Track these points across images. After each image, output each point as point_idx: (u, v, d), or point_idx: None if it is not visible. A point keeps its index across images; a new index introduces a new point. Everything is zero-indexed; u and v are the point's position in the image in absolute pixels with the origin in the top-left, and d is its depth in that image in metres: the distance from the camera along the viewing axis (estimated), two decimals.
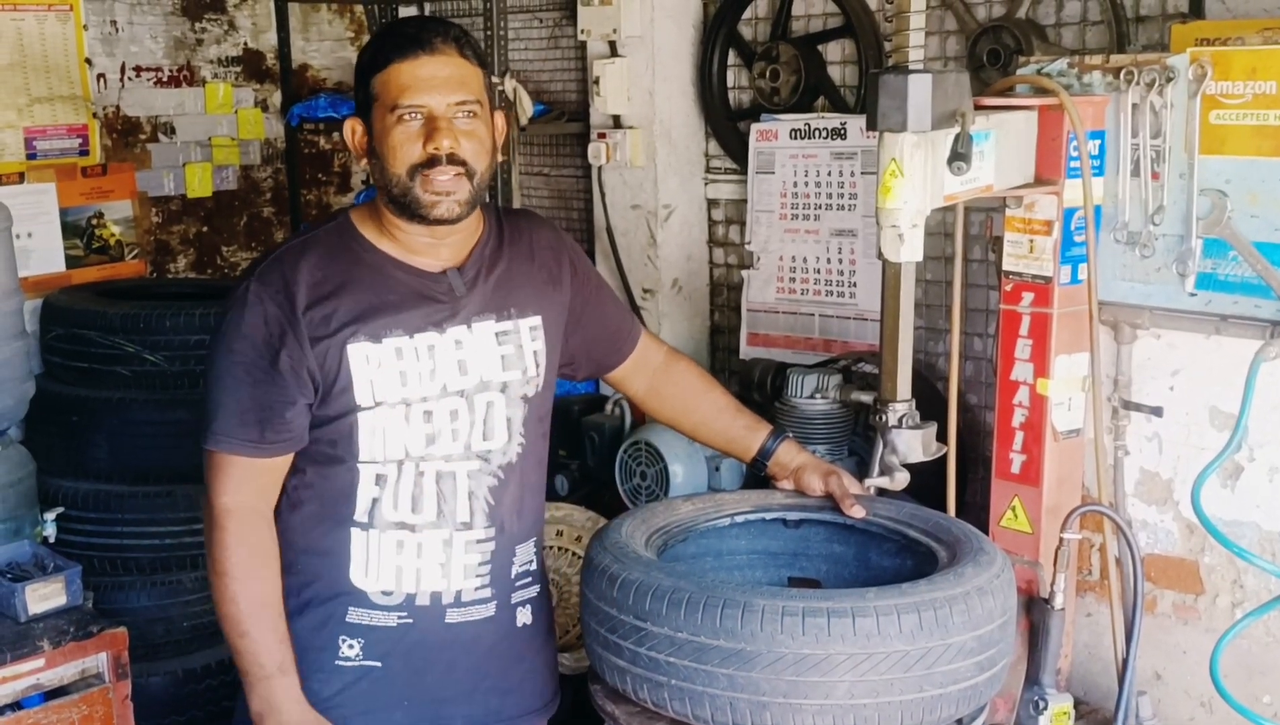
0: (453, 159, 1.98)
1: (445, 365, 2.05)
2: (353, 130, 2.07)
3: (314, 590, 2.08)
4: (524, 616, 2.19)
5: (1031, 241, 2.48)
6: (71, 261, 4.13)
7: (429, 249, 2.07)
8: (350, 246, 2.07)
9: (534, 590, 2.21)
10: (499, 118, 2.11)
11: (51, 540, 3.23)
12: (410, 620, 2.08)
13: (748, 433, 2.40)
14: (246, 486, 2.02)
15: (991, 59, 3.04)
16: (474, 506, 2.08)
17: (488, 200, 2.18)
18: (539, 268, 2.20)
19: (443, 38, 2.00)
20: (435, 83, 1.98)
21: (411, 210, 2.01)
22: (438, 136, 1.97)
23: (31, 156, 4.03)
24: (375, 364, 2.01)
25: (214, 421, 2.01)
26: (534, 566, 2.21)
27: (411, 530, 2.06)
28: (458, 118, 1.99)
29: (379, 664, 2.08)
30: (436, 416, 2.05)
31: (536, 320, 2.15)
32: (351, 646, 2.08)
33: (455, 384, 2.06)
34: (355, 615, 2.07)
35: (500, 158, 2.15)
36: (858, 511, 2.22)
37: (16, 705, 2.67)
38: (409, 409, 2.03)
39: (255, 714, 2.02)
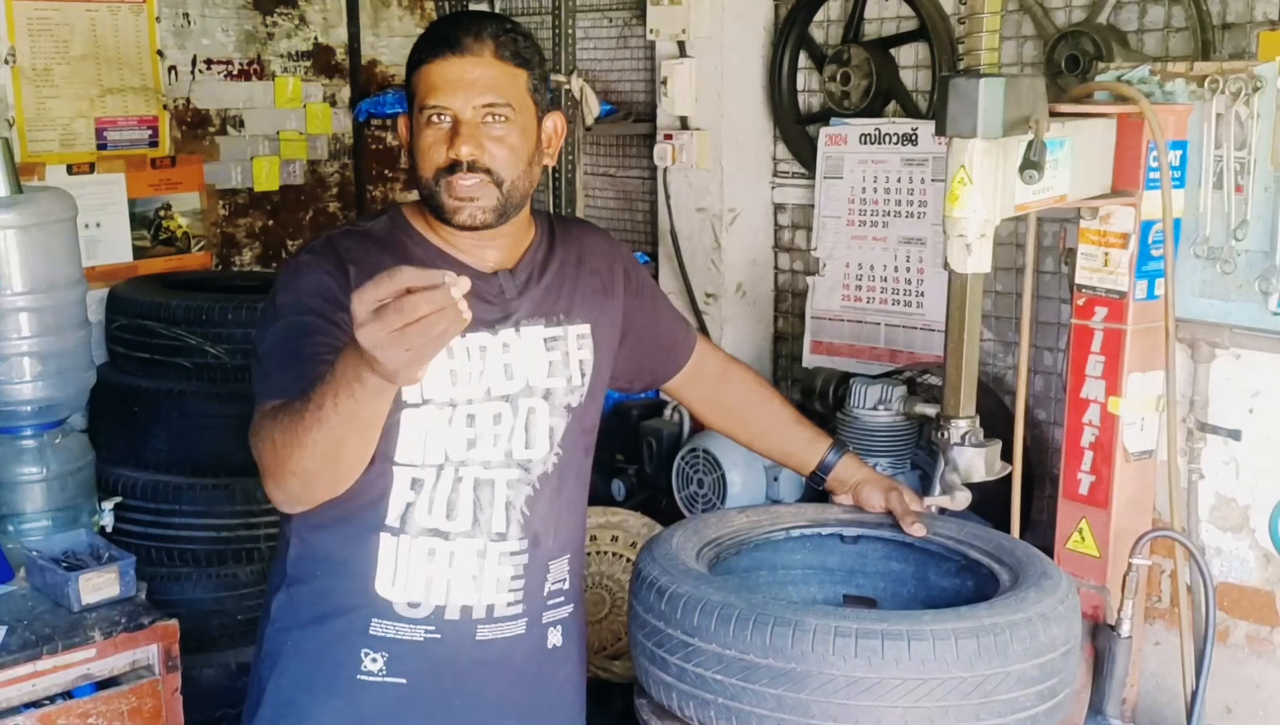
0: (474, 166, 1.91)
1: (492, 368, 1.98)
2: (403, 126, 2.03)
3: (333, 601, 2.00)
4: (554, 638, 2.10)
5: (1106, 254, 2.41)
6: (138, 252, 4.16)
7: (475, 249, 2.02)
8: (400, 238, 2.01)
9: (566, 610, 2.12)
10: (553, 121, 2.04)
11: (109, 530, 3.26)
12: (438, 636, 1.99)
13: (807, 445, 2.34)
14: None
15: (1070, 65, 2.95)
16: (510, 517, 2.01)
17: (538, 206, 2.12)
18: (591, 275, 2.14)
19: (475, 37, 1.92)
20: (461, 85, 1.91)
21: (437, 214, 1.96)
22: (458, 142, 1.90)
23: (102, 147, 4.06)
24: None
25: (263, 383, 1.87)
26: (567, 585, 2.12)
27: (445, 538, 1.98)
28: (486, 122, 1.92)
29: (404, 681, 1.99)
30: (479, 419, 1.98)
31: (585, 328, 2.09)
32: (375, 660, 1.98)
33: (500, 388, 1.99)
34: (379, 627, 1.98)
35: (551, 162, 2.08)
36: (918, 529, 2.16)
37: (67, 694, 2.69)
38: (454, 410, 1.96)
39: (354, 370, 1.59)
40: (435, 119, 1.92)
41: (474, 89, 1.91)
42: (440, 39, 1.94)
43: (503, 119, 1.93)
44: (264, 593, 2.14)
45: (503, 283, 2.02)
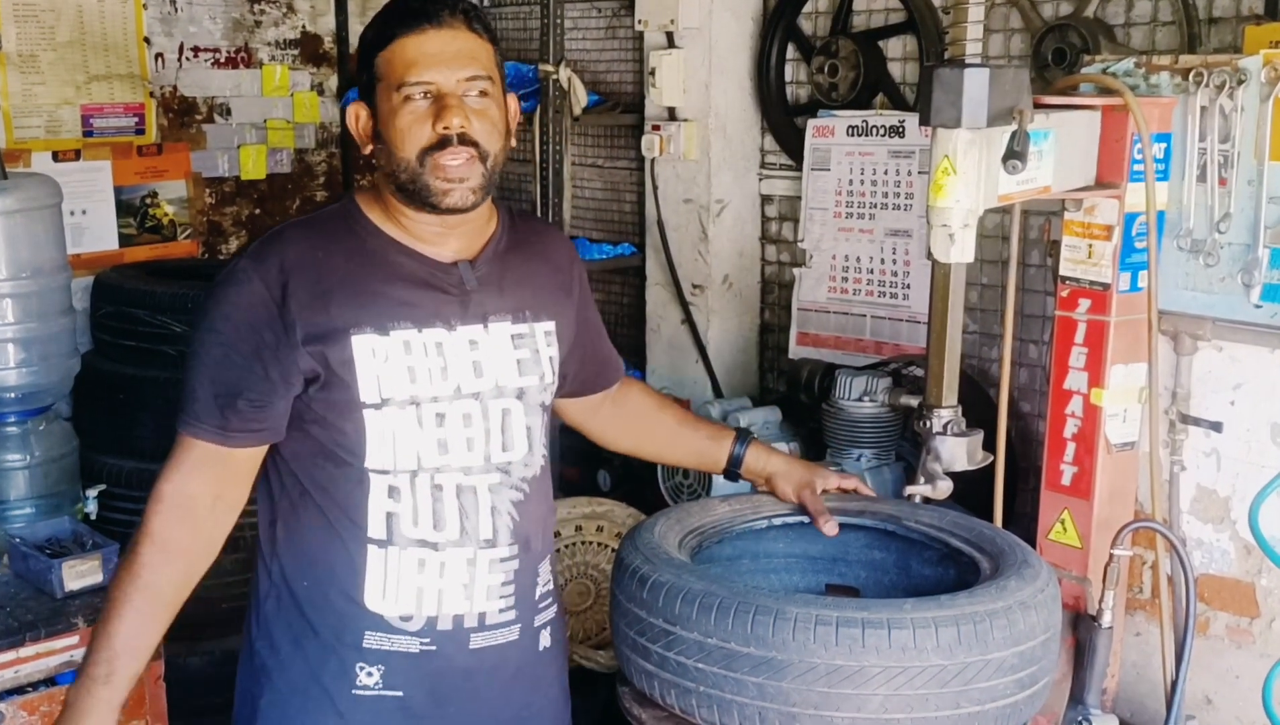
0: (464, 139, 1.83)
1: (458, 365, 1.90)
2: (356, 115, 1.93)
3: (322, 613, 1.92)
4: (545, 639, 2.06)
5: (1090, 246, 2.41)
6: (124, 240, 4.16)
7: (437, 238, 1.92)
8: (353, 229, 1.92)
9: (553, 611, 2.08)
10: (512, 100, 1.96)
11: (93, 517, 3.25)
12: (434, 647, 1.93)
13: (712, 443, 2.28)
14: (199, 474, 1.86)
15: (1057, 58, 2.96)
16: (497, 523, 1.94)
17: (507, 202, 2.09)
18: (553, 272, 2.07)
19: (450, 10, 1.85)
20: (443, 57, 1.83)
21: (422, 198, 1.86)
22: (447, 115, 1.82)
23: (88, 134, 4.05)
24: (382, 358, 1.86)
25: (185, 403, 1.86)
26: (552, 586, 2.08)
27: (434, 548, 1.91)
28: (469, 95, 1.85)
29: (400, 693, 1.93)
30: (449, 420, 1.90)
31: (551, 325, 2.02)
32: (370, 674, 1.92)
33: (470, 386, 1.91)
34: (372, 640, 1.92)
35: (514, 143, 1.98)
36: (830, 528, 2.15)
37: (50, 681, 2.68)
38: (419, 410, 1.88)
39: (65, 704, 1.83)
40: (415, 95, 1.84)
41: (456, 61, 1.84)
42: (414, 13, 1.86)
43: (483, 92, 1.86)
44: (248, 593, 2.03)
45: (462, 273, 1.93)
